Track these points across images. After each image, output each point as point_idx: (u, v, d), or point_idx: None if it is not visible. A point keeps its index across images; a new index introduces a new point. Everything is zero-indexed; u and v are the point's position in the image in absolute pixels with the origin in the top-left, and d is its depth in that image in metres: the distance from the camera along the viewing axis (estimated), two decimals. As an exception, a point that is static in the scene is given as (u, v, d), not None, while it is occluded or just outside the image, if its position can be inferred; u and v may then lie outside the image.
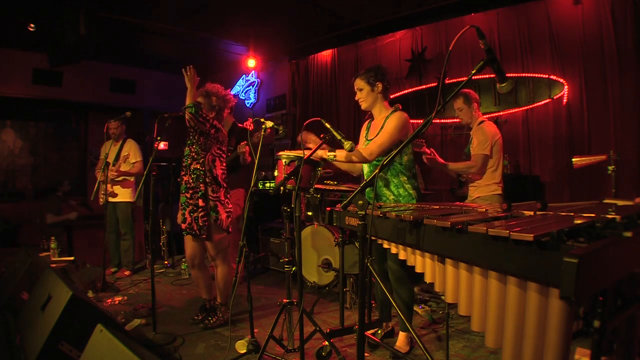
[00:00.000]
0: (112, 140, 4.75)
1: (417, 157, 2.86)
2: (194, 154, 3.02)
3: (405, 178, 2.58)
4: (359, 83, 2.63)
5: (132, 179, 4.78)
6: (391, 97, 2.75)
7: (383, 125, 2.53)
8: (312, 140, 2.53)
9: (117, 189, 4.70)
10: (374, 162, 2.56)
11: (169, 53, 6.56)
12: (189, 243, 3.13)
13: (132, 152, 4.75)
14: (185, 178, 3.04)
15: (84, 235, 5.93)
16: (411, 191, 2.57)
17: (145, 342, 2.79)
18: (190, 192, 3.00)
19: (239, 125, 4.17)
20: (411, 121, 2.61)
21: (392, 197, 2.59)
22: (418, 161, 2.76)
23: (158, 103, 7.11)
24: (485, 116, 3.40)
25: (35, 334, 2.15)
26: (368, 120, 2.81)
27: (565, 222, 1.25)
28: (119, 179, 4.65)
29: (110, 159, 4.61)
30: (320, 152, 2.44)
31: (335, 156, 2.42)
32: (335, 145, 2.40)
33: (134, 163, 4.73)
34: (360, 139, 2.81)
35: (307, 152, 2.30)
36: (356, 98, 2.68)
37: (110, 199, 4.60)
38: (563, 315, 1.08)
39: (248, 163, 4.01)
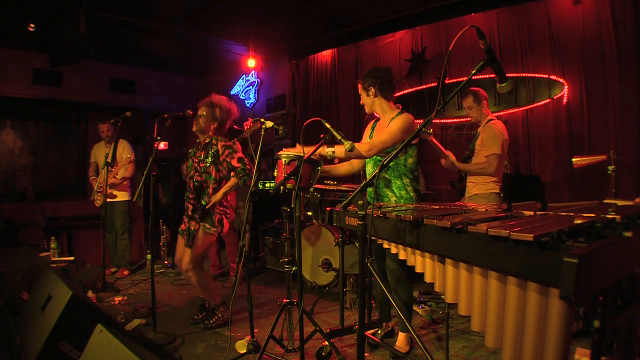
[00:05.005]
0: (104, 142, 4.76)
1: (421, 158, 2.86)
2: (212, 174, 3.03)
3: (408, 180, 2.60)
4: (359, 88, 2.69)
5: (126, 181, 4.80)
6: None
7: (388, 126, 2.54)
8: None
9: (114, 190, 4.70)
10: (377, 159, 2.57)
11: (169, 53, 6.56)
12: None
13: (129, 153, 4.76)
14: (191, 186, 3.07)
15: (84, 235, 5.93)
16: (412, 194, 2.60)
17: (145, 342, 2.79)
18: (193, 202, 3.05)
19: (235, 127, 4.18)
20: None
21: (393, 198, 2.60)
22: (420, 161, 2.77)
23: (158, 103, 7.11)
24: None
25: (35, 334, 2.15)
26: (374, 120, 2.82)
27: (565, 222, 1.25)
28: (118, 182, 4.66)
29: (107, 160, 4.61)
30: (319, 150, 2.45)
31: (334, 152, 2.42)
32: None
33: (129, 163, 4.75)
34: (364, 138, 2.81)
35: (307, 151, 2.30)
36: (361, 102, 2.73)
37: (108, 199, 4.60)
38: (563, 315, 1.08)
39: None
